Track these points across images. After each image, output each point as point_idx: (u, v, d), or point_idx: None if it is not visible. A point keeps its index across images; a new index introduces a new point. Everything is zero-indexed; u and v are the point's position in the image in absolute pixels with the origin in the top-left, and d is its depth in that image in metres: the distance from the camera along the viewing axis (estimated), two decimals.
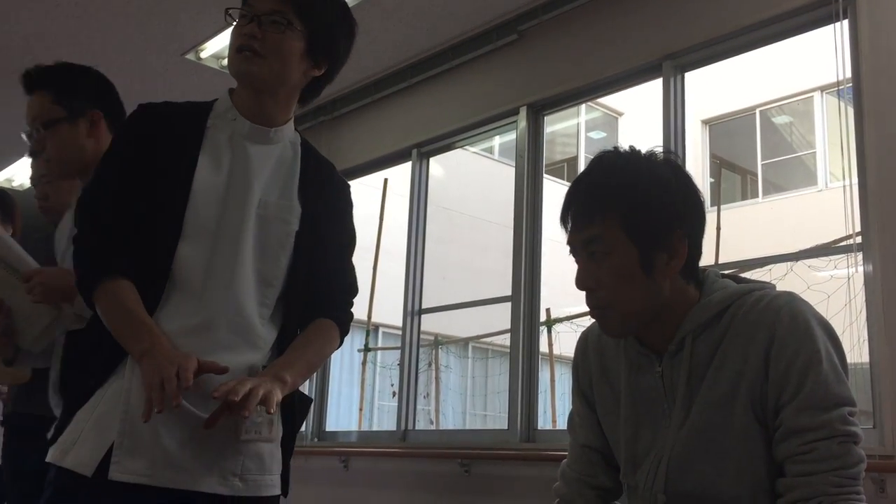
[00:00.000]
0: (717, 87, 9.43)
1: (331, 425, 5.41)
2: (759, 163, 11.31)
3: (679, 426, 1.42)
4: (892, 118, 2.97)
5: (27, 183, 7.36)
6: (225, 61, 4.97)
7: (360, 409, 6.68)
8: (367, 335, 6.36)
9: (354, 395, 7.26)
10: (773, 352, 1.35)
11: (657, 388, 1.46)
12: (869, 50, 3.07)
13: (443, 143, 4.92)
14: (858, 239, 3.02)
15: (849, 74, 3.14)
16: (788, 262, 3.96)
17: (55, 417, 1.65)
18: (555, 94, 4.23)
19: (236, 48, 1.63)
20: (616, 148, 1.48)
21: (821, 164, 10.50)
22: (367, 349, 6.45)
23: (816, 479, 1.29)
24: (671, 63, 3.72)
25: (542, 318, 4.74)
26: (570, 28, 4.18)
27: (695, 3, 3.68)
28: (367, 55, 4.77)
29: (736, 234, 7.73)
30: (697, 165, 10.69)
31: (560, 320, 6.10)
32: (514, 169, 4.38)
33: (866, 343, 2.93)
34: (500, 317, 4.56)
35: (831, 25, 3.21)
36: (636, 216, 1.39)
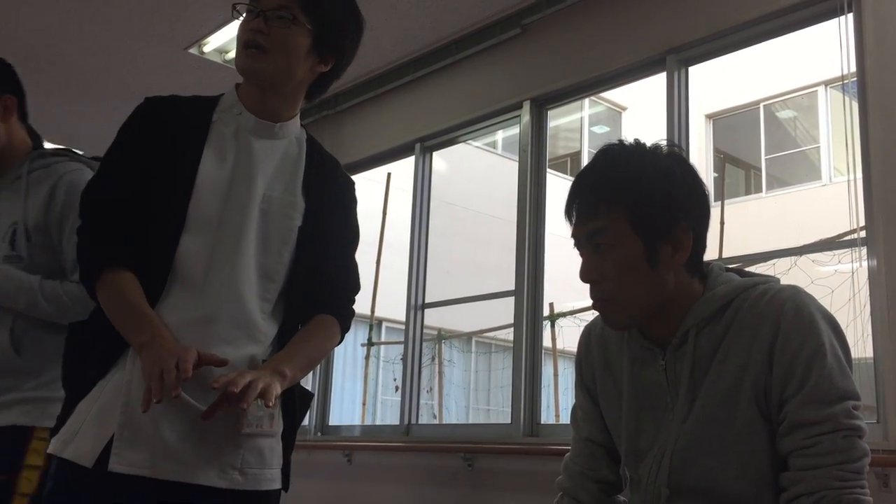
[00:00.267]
0: (720, 82, 9.41)
1: (334, 419, 5.42)
2: (763, 157, 11.30)
3: (682, 420, 1.42)
4: None
5: None
6: (228, 55, 5.00)
7: (364, 404, 6.68)
8: (371, 330, 6.37)
9: (358, 389, 7.27)
10: (777, 345, 1.35)
11: (660, 381, 1.46)
12: (874, 44, 3.06)
13: (446, 137, 4.92)
14: (862, 234, 3.02)
15: (853, 69, 3.13)
16: (792, 257, 3.96)
17: None
18: (558, 88, 4.22)
19: (242, 44, 1.63)
20: (621, 141, 1.48)
21: (825, 159, 10.48)
22: (370, 344, 6.45)
23: (820, 472, 1.28)
24: (675, 57, 3.71)
25: (546, 312, 4.74)
26: (574, 22, 4.17)
27: None
28: (370, 49, 4.77)
29: (739, 229, 7.72)
30: (701, 160, 10.67)
31: (563, 315, 6.10)
32: (517, 163, 4.38)
33: (870, 338, 2.93)
34: (504, 311, 4.56)
35: (836, 19, 3.20)
36: (641, 209, 1.39)
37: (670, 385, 1.45)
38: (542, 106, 4.35)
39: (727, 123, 11.42)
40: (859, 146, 3.07)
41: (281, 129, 1.69)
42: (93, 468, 1.45)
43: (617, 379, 1.54)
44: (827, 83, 9.93)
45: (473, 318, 7.80)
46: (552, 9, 4.22)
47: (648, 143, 1.47)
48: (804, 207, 9.77)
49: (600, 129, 12.21)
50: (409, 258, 4.87)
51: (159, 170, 1.58)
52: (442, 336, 8.01)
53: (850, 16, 3.17)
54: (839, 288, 3.52)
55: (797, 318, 1.35)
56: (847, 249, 3.28)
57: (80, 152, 2.40)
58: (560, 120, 11.29)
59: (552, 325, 6.08)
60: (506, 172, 6.31)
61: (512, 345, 4.18)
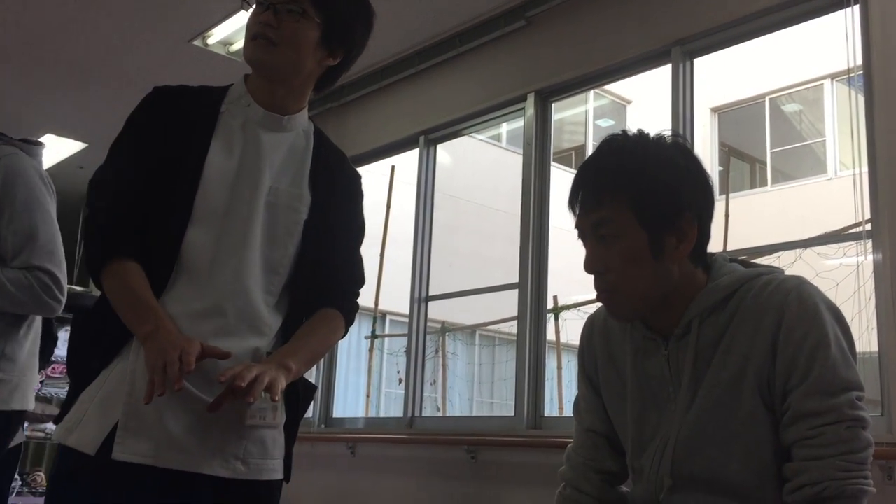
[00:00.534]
0: (726, 75, 9.37)
1: (338, 412, 5.43)
2: (769, 151, 11.26)
3: (685, 410, 1.42)
4: None
5: None
6: (232, 48, 4.99)
7: (367, 396, 6.69)
8: (374, 322, 6.37)
9: (361, 381, 7.28)
10: (781, 336, 1.34)
11: (663, 371, 1.46)
12: (880, 37, 3.04)
13: (450, 129, 4.91)
14: (868, 227, 3.01)
15: (859, 62, 3.12)
16: (797, 250, 3.95)
17: None
18: (563, 80, 4.21)
19: (251, 36, 1.62)
20: (624, 131, 1.47)
21: (830, 153, 10.44)
22: (374, 336, 6.46)
23: (824, 463, 1.28)
24: (680, 49, 3.70)
25: (549, 305, 4.74)
26: (579, 14, 4.16)
27: None
28: (374, 41, 4.74)
29: (744, 223, 7.70)
30: (706, 153, 10.63)
31: (567, 308, 6.09)
32: (521, 156, 4.37)
33: (875, 331, 2.92)
34: (507, 304, 4.56)
35: (842, 11, 3.18)
36: (646, 199, 1.39)
37: (673, 375, 1.44)
38: (546, 98, 4.34)
39: (732, 117, 11.38)
40: (865, 140, 3.06)
41: (289, 122, 1.69)
42: (96, 456, 1.45)
43: (620, 369, 1.54)
44: (833, 77, 9.88)
45: (477, 310, 7.80)
46: (557, 1, 4.21)
47: (652, 134, 1.46)
48: (809, 201, 9.74)
49: (605, 123, 12.18)
50: (412, 251, 4.87)
51: (166, 160, 1.58)
52: (445, 329, 8.01)
53: (857, 8, 3.15)
54: (844, 281, 3.51)
55: (801, 308, 1.35)
56: (852, 242, 3.27)
57: (13, 136, 2.37)
58: (565, 113, 11.26)
59: (556, 318, 6.08)
60: (510, 165, 6.30)
61: (515, 338, 4.18)
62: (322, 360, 5.24)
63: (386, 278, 6.16)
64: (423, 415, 4.83)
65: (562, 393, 6.48)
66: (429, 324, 4.96)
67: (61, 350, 6.08)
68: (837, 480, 1.27)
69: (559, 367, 6.37)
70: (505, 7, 4.42)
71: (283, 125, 1.68)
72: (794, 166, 11.21)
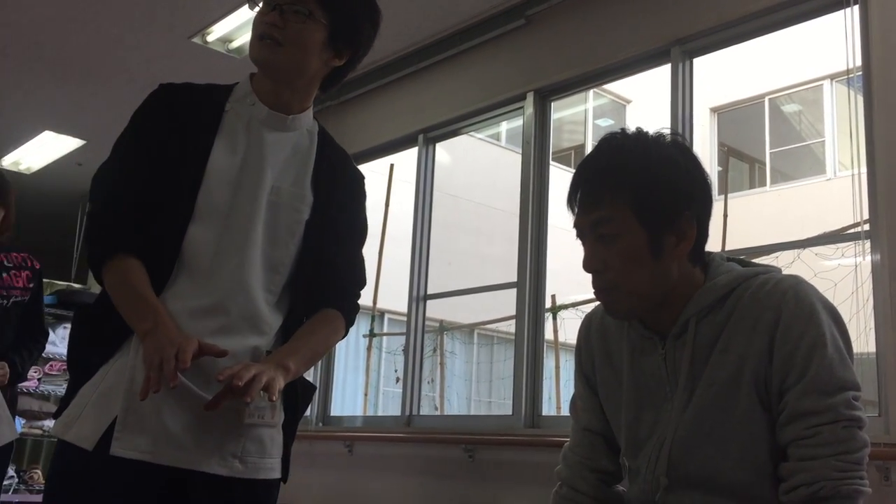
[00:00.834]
0: (725, 75, 9.38)
1: (336, 410, 5.43)
2: (768, 151, 11.26)
3: (682, 409, 1.41)
4: None
5: (34, 166, 7.41)
6: (231, 45, 4.99)
7: (365, 395, 6.69)
8: (373, 321, 6.37)
9: (359, 380, 7.28)
10: (777, 335, 1.34)
11: (660, 370, 1.45)
12: (879, 37, 3.05)
13: (449, 128, 4.91)
14: (866, 227, 3.01)
15: (859, 62, 3.12)
16: (796, 250, 3.95)
17: None
18: (562, 79, 4.22)
19: (257, 35, 1.61)
20: (623, 130, 1.47)
21: (829, 153, 10.45)
22: (372, 335, 6.46)
23: (820, 463, 1.28)
24: (679, 48, 3.70)
25: (548, 304, 4.74)
26: (578, 13, 4.16)
27: None
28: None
29: (743, 223, 7.71)
30: (705, 153, 10.63)
31: (565, 307, 6.09)
32: (520, 155, 4.37)
33: (873, 331, 2.92)
34: (506, 303, 4.56)
35: (841, 11, 3.18)
36: (647, 198, 1.39)
37: (670, 374, 1.44)
38: (545, 97, 4.34)
39: (732, 117, 11.38)
40: (864, 140, 3.06)
41: (293, 122, 1.69)
42: (94, 452, 1.45)
43: (617, 368, 1.54)
44: (832, 77, 9.89)
45: (475, 309, 7.80)
46: (556, 0, 4.21)
47: (651, 132, 1.46)
48: (808, 201, 9.75)
49: (604, 122, 12.18)
50: (411, 249, 4.87)
51: (170, 157, 1.58)
52: (444, 327, 8.01)
53: (856, 8, 3.15)
54: (842, 281, 3.51)
55: (798, 307, 1.35)
56: (850, 243, 3.27)
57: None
58: (564, 112, 11.26)
59: (554, 318, 6.07)
60: (509, 164, 6.30)
61: (514, 337, 4.18)
62: (314, 364, 5.24)
63: (384, 277, 6.16)
64: (421, 413, 4.83)
65: (560, 392, 6.48)
66: (427, 322, 4.96)
67: (59, 348, 6.10)
68: (833, 480, 1.27)
69: (557, 367, 6.36)
70: (504, 6, 4.42)
71: (288, 125, 1.68)
72: (794, 166, 11.21)
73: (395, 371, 6.31)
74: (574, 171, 1.48)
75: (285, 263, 1.63)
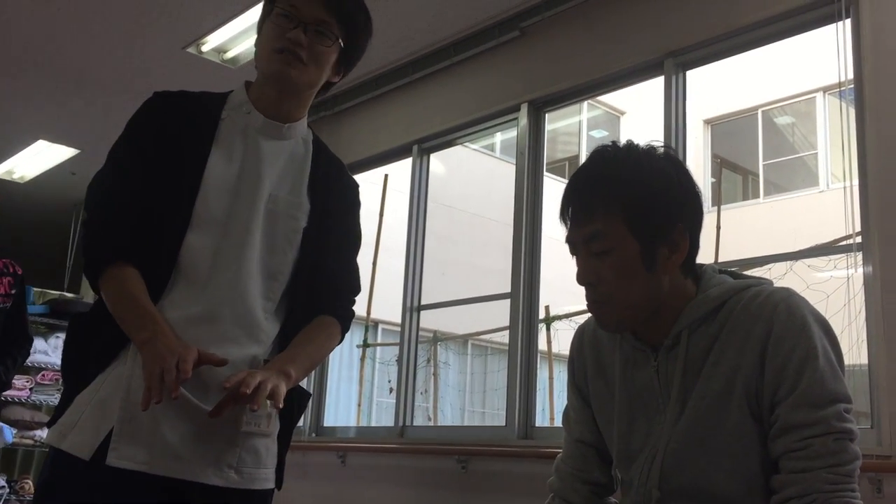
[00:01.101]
0: (719, 88, 9.42)
1: (329, 420, 5.42)
2: (761, 163, 11.30)
3: (674, 421, 1.42)
4: (893, 119, 2.97)
5: (28, 175, 7.40)
6: (226, 55, 5.00)
7: (359, 405, 6.67)
8: (366, 331, 6.36)
9: (353, 390, 7.26)
10: (769, 347, 1.35)
11: (652, 383, 1.45)
12: (871, 50, 3.07)
13: (444, 139, 4.92)
14: (858, 239, 3.02)
15: (850, 75, 3.14)
16: (788, 262, 3.96)
17: None
18: (556, 91, 4.23)
19: (277, 48, 1.62)
20: (614, 142, 1.47)
21: (822, 165, 10.49)
22: (365, 345, 6.45)
23: (811, 475, 1.28)
24: (673, 61, 3.71)
25: (541, 315, 4.74)
26: (572, 25, 4.18)
27: (697, 1, 3.67)
28: (368, 50, 4.76)
29: (736, 235, 7.73)
30: (699, 165, 10.68)
31: (559, 318, 6.10)
32: (514, 166, 4.38)
33: (865, 343, 2.93)
34: (500, 314, 4.56)
35: (833, 25, 3.21)
36: (639, 210, 1.39)
37: (662, 387, 1.44)
38: (539, 109, 4.35)
39: (725, 129, 11.42)
40: (856, 152, 3.08)
41: (289, 130, 1.70)
42: (90, 462, 1.45)
43: (609, 380, 1.54)
44: (825, 90, 9.94)
45: (469, 320, 7.80)
46: (550, 12, 4.23)
47: (642, 145, 1.46)
48: (801, 213, 9.78)
49: (598, 133, 12.21)
50: (405, 260, 4.87)
51: (166, 165, 1.58)
52: (437, 338, 8.01)
53: (848, 21, 3.18)
54: (834, 293, 3.53)
55: (790, 320, 1.35)
56: (843, 255, 3.28)
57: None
58: (558, 123, 11.29)
59: (548, 328, 6.08)
60: (503, 175, 6.31)
61: (507, 347, 4.18)
62: (312, 372, 5.22)
63: (378, 287, 6.16)
64: (415, 424, 4.82)
65: (553, 403, 6.48)
66: (421, 333, 4.95)
67: (51, 357, 6.08)
68: (825, 493, 1.27)
69: (551, 378, 6.36)
70: (499, 18, 4.43)
71: (284, 133, 1.69)
72: (787, 178, 11.25)
73: (389, 381, 6.30)
74: (567, 182, 1.49)
75: (283, 271, 1.64)
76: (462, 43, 4.66)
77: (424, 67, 4.88)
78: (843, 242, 3.29)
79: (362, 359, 6.54)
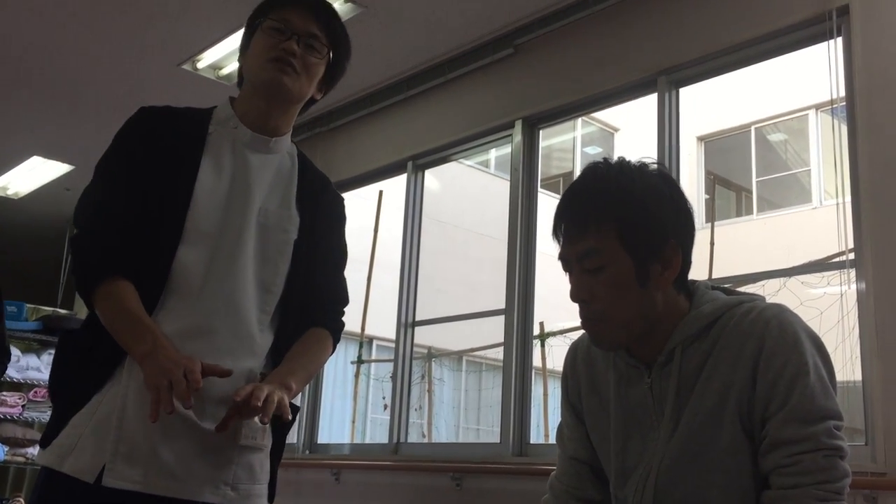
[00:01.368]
0: (712, 105, 9.46)
1: (323, 438, 5.40)
2: (754, 180, 11.33)
3: (668, 438, 1.41)
4: (885, 136, 2.99)
5: (22, 191, 7.39)
6: (221, 72, 5.01)
7: (353, 422, 6.65)
8: (361, 347, 6.35)
9: (347, 407, 7.23)
10: (761, 362, 1.35)
11: (646, 400, 1.45)
12: (862, 69, 3.09)
13: (438, 155, 4.93)
14: (851, 256, 3.03)
15: (842, 93, 3.16)
16: (782, 278, 3.97)
17: None
18: (550, 107, 4.25)
19: (272, 57, 1.64)
20: (605, 159, 1.48)
21: (815, 182, 10.52)
22: (360, 361, 6.43)
23: (800, 492, 1.28)
24: (666, 78, 3.74)
25: (536, 331, 4.74)
26: (566, 43, 4.20)
27: (690, 19, 3.70)
28: (363, 67, 4.78)
29: (730, 251, 7.74)
30: (692, 181, 10.70)
31: (553, 334, 6.09)
32: (509, 183, 4.39)
33: (859, 360, 2.93)
34: (494, 330, 4.55)
35: (825, 43, 3.23)
36: (633, 227, 1.39)
37: (656, 403, 1.44)
38: (534, 125, 4.37)
39: (718, 145, 11.46)
40: (848, 169, 3.09)
41: (276, 144, 1.71)
42: (87, 483, 1.44)
43: (603, 397, 1.54)
44: (817, 107, 9.99)
45: (464, 336, 7.78)
46: (545, 29, 4.25)
47: (633, 161, 1.47)
48: (795, 230, 9.79)
49: (592, 150, 12.25)
50: (399, 276, 4.87)
51: (156, 180, 1.58)
52: (432, 354, 7.99)
53: (839, 40, 3.20)
54: (828, 310, 3.53)
55: (781, 335, 1.35)
56: (836, 272, 3.29)
57: None
58: (552, 140, 11.32)
59: (542, 345, 6.07)
60: (498, 191, 6.32)
61: (502, 364, 4.17)
62: (307, 384, 5.21)
63: (373, 303, 6.15)
64: (409, 441, 4.80)
65: (548, 420, 6.46)
66: (415, 349, 4.94)
67: (45, 374, 6.04)
68: None
69: (545, 394, 6.35)
70: (493, 35, 4.46)
71: (271, 147, 1.70)
72: (780, 195, 11.29)
73: (383, 398, 6.28)
74: (559, 199, 1.49)
75: (277, 283, 1.65)
76: (457, 60, 4.68)
77: (419, 84, 4.90)
78: (837, 259, 3.30)
79: (356, 375, 6.52)
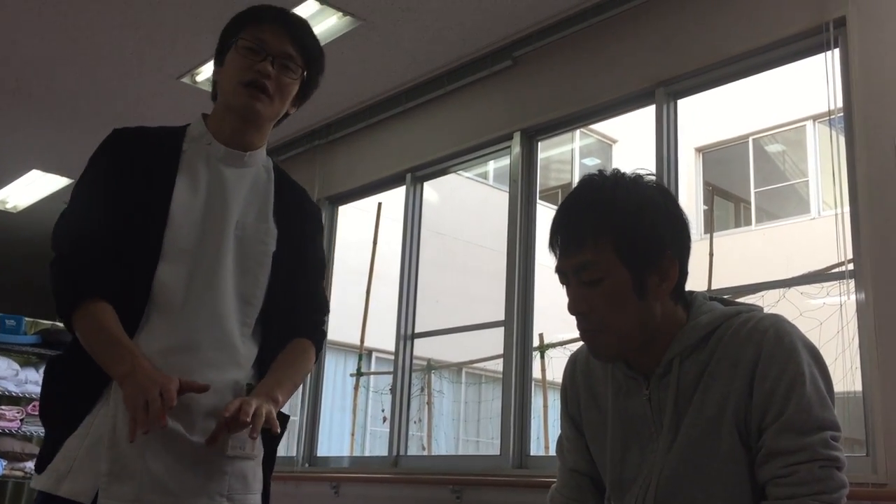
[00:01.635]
0: (710, 116, 9.48)
1: (322, 450, 5.38)
2: (752, 190, 11.35)
3: (667, 450, 1.41)
4: (883, 146, 3.00)
5: (21, 205, 7.38)
6: None
7: (352, 435, 6.63)
8: (360, 360, 6.34)
9: (346, 420, 7.22)
10: (757, 372, 1.35)
11: (644, 411, 1.45)
12: (860, 80, 3.10)
13: (437, 167, 4.94)
14: (850, 266, 3.03)
15: (840, 104, 3.17)
16: (781, 290, 3.96)
17: None
18: (548, 119, 4.26)
19: (245, 81, 1.65)
20: (601, 171, 1.48)
21: (813, 193, 10.54)
22: (359, 374, 6.42)
23: (797, 502, 1.28)
24: (664, 90, 3.75)
25: (535, 343, 4.73)
26: (564, 54, 4.21)
27: (688, 31, 3.71)
28: (361, 80, 4.80)
29: (729, 262, 7.74)
30: (691, 193, 10.72)
31: (553, 346, 6.08)
32: (507, 194, 4.40)
33: (859, 370, 2.93)
34: (494, 342, 4.55)
35: (822, 55, 3.24)
36: (630, 238, 1.39)
37: (654, 415, 1.44)
38: (532, 137, 4.37)
39: (717, 157, 11.48)
40: (846, 180, 3.10)
41: (250, 158, 1.73)
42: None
43: (602, 409, 1.53)
44: (815, 118, 10.01)
45: (463, 348, 7.77)
46: (543, 41, 4.27)
47: (629, 173, 1.47)
48: (793, 240, 9.80)
49: (591, 161, 12.27)
50: (398, 288, 4.86)
51: (132, 200, 1.60)
52: (431, 366, 7.97)
53: (837, 51, 3.21)
54: (828, 320, 3.53)
55: (778, 345, 1.35)
56: (835, 282, 3.29)
57: None
58: (551, 151, 11.34)
59: (542, 356, 6.06)
60: (496, 203, 6.33)
61: (501, 376, 4.16)
62: (306, 397, 5.21)
63: (372, 315, 6.14)
64: (408, 454, 4.79)
65: (548, 431, 6.45)
66: (414, 361, 4.94)
67: None
68: None
69: (545, 406, 6.34)
70: (492, 47, 4.47)
71: (245, 161, 1.72)
72: (778, 206, 11.30)
73: (383, 411, 6.25)
74: (555, 212, 1.49)
75: (257, 295, 1.66)
76: (455, 72, 4.69)
77: (418, 96, 4.91)
78: (836, 269, 3.30)
79: (356, 388, 6.51)
